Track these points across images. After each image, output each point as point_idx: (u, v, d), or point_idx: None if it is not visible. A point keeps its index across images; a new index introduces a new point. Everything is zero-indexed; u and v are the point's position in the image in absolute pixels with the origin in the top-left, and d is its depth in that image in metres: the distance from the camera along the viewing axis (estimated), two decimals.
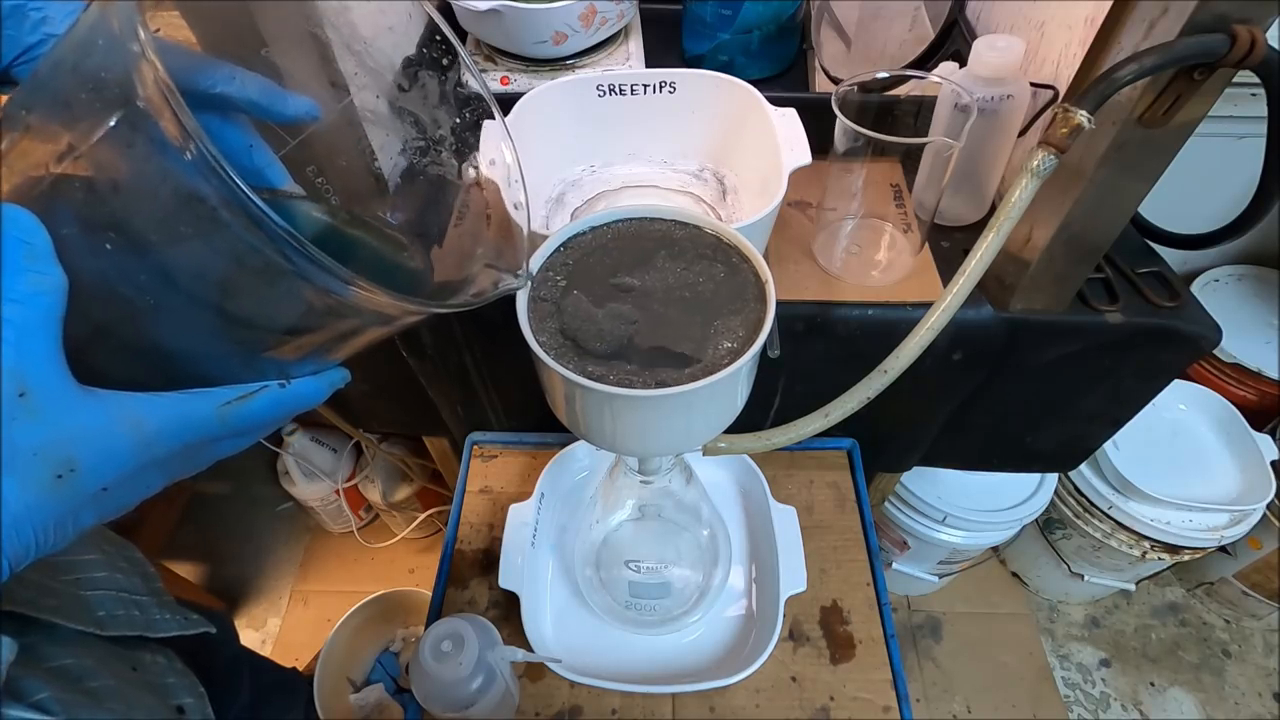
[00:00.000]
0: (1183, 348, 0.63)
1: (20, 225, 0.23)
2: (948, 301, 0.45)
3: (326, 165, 0.40)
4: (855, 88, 0.57)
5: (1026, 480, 1.08)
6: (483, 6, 0.69)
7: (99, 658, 0.43)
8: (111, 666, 0.44)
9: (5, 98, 0.27)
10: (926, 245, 0.65)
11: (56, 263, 0.24)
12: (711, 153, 0.68)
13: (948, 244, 0.66)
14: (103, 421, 0.24)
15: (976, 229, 0.56)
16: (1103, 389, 0.69)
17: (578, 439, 0.71)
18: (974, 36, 0.65)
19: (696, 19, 0.82)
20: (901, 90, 0.62)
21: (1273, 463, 1.06)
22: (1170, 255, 0.65)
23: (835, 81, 0.78)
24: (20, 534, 0.23)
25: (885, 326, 0.62)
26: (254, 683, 0.67)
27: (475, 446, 0.79)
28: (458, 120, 0.42)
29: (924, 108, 0.61)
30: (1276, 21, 0.42)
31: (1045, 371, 0.66)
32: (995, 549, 1.38)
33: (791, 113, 0.58)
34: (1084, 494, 1.12)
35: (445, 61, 0.40)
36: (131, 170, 0.24)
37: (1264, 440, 1.09)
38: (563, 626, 0.65)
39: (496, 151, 0.56)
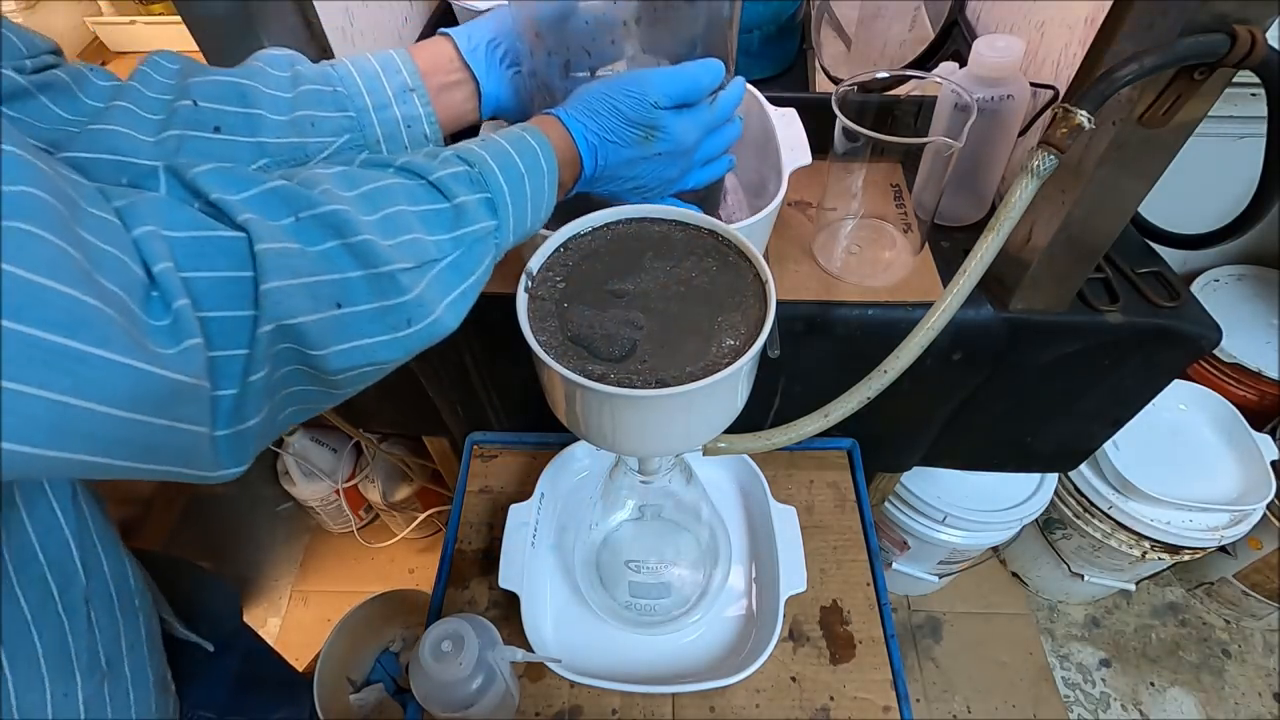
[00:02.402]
0: (1183, 348, 0.63)
1: None
2: (948, 302, 0.45)
3: None
4: (855, 88, 0.57)
5: (1026, 480, 1.08)
6: (483, 6, 0.69)
7: None
8: None
9: None
10: (926, 245, 0.65)
11: None
12: None
13: (948, 244, 0.66)
14: None
15: (976, 229, 0.56)
16: (1103, 389, 0.69)
17: (578, 439, 0.71)
18: (974, 36, 0.65)
19: None
20: (901, 90, 0.62)
21: (1273, 463, 1.06)
22: (1170, 255, 0.65)
23: (835, 81, 0.78)
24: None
25: (885, 326, 0.61)
26: (242, 669, 0.67)
27: (475, 446, 0.79)
28: None
29: (924, 108, 0.62)
30: (1276, 21, 0.42)
31: (1045, 371, 0.66)
32: (995, 549, 1.38)
33: (791, 113, 0.58)
34: (1084, 494, 1.12)
35: None
36: None
37: (1264, 440, 1.08)
38: (563, 626, 0.65)
39: None
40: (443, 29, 0.51)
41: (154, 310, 0.26)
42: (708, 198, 0.56)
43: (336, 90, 0.45)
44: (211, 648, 0.58)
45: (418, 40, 0.76)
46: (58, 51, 0.39)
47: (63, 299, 0.22)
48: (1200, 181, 1.01)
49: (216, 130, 0.41)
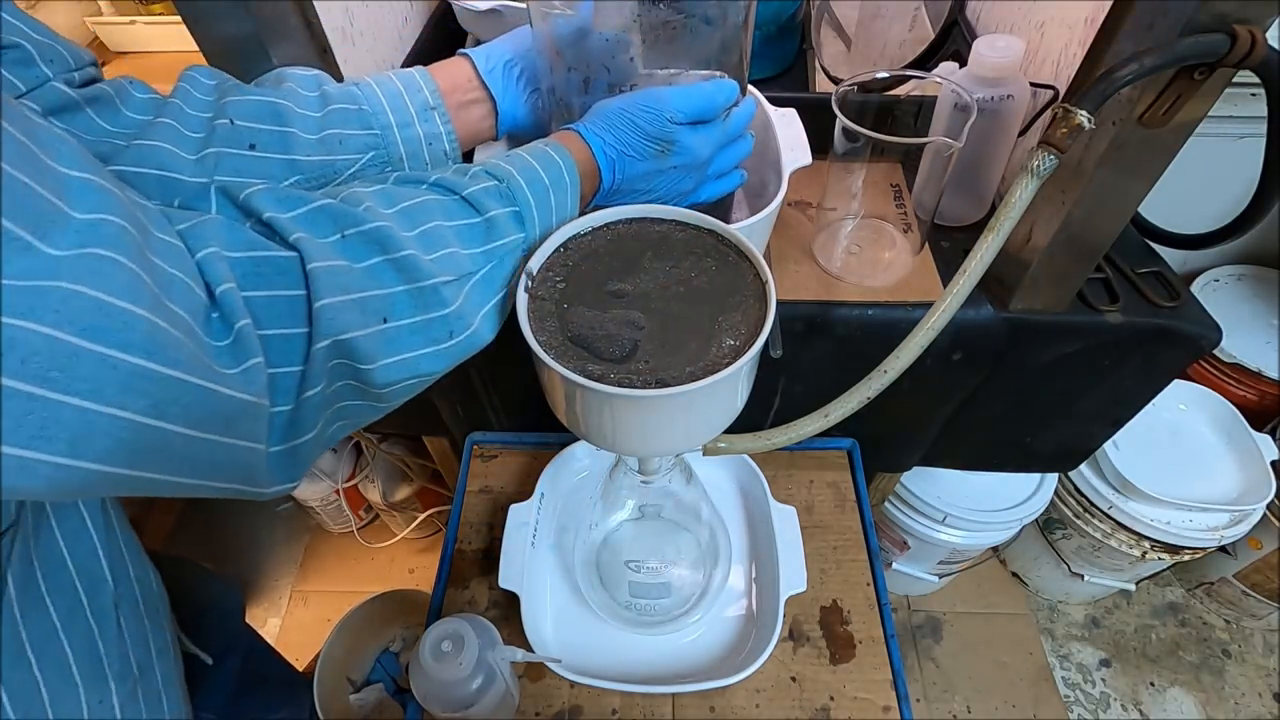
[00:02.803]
0: (1183, 348, 0.63)
1: None
2: (948, 302, 0.45)
3: None
4: (855, 88, 0.57)
5: (1026, 480, 1.08)
6: (482, 6, 0.69)
7: None
8: None
9: None
10: (926, 245, 0.65)
11: None
12: None
13: (948, 244, 0.66)
14: None
15: (976, 229, 0.56)
16: (1103, 389, 0.69)
17: (578, 439, 0.71)
18: (974, 36, 0.65)
19: None
20: (901, 90, 0.62)
21: (1273, 463, 1.06)
22: (1170, 255, 0.65)
23: (835, 81, 0.78)
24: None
25: (885, 326, 0.61)
26: (243, 669, 0.67)
27: (475, 446, 0.79)
28: None
29: (924, 108, 0.61)
30: (1276, 21, 0.42)
31: (1045, 371, 0.66)
32: (995, 549, 1.38)
33: (791, 113, 0.58)
34: (1084, 494, 1.12)
35: None
36: None
37: (1264, 440, 1.08)
38: (563, 626, 0.65)
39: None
40: (462, 50, 0.52)
41: (216, 331, 0.27)
42: (718, 210, 0.57)
43: (362, 109, 0.46)
44: (210, 660, 0.59)
45: (417, 41, 0.76)
46: (96, 63, 0.40)
47: (140, 322, 0.23)
48: (1200, 181, 1.02)
49: (252, 148, 0.42)
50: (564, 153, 0.43)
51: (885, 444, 0.80)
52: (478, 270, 0.37)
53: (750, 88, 0.62)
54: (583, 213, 0.45)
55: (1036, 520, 1.19)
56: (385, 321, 0.32)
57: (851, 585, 0.67)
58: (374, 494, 1.27)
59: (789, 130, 0.57)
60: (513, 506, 0.66)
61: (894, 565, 1.22)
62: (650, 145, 0.45)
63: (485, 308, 0.37)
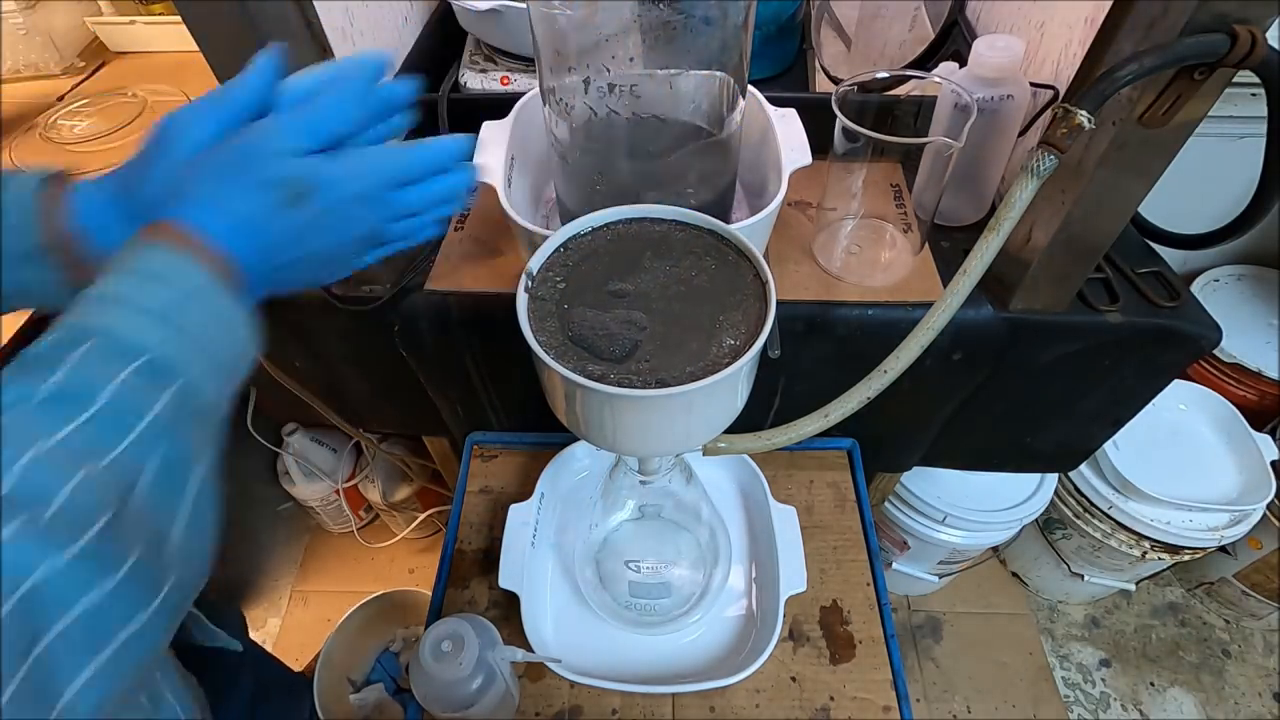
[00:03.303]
0: (1183, 348, 0.63)
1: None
2: (948, 302, 0.45)
3: None
4: (855, 88, 0.57)
5: (1026, 480, 1.08)
6: (483, 6, 0.69)
7: None
8: None
9: None
10: (926, 245, 0.65)
11: None
12: None
13: (948, 244, 0.66)
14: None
15: (976, 229, 0.56)
16: (1103, 389, 0.69)
17: (578, 439, 0.71)
18: (974, 36, 0.65)
19: None
20: (901, 90, 0.62)
21: (1273, 463, 1.06)
22: (1170, 255, 0.65)
23: (835, 81, 0.78)
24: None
25: (885, 326, 0.61)
26: (256, 677, 0.67)
27: (475, 446, 0.79)
28: None
29: (924, 108, 0.62)
30: (1276, 21, 0.42)
31: (1045, 371, 0.66)
32: (995, 549, 1.38)
33: (791, 113, 0.58)
34: (1084, 494, 1.12)
35: None
36: None
37: (1264, 440, 1.08)
38: (563, 626, 0.65)
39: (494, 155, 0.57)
40: (69, 185, 0.36)
41: None
42: (719, 210, 0.56)
43: None
44: (240, 647, 0.57)
45: (417, 41, 0.75)
46: None
47: None
48: (1200, 181, 1.01)
49: None
50: (164, 251, 0.31)
51: (885, 444, 0.80)
52: (144, 464, 0.26)
53: (750, 88, 0.62)
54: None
55: (1036, 520, 1.19)
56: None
57: (851, 585, 0.67)
58: (374, 494, 1.27)
59: (789, 130, 0.57)
60: (513, 506, 0.66)
61: (894, 565, 1.22)
62: (271, 195, 0.33)
63: (182, 513, 0.28)
